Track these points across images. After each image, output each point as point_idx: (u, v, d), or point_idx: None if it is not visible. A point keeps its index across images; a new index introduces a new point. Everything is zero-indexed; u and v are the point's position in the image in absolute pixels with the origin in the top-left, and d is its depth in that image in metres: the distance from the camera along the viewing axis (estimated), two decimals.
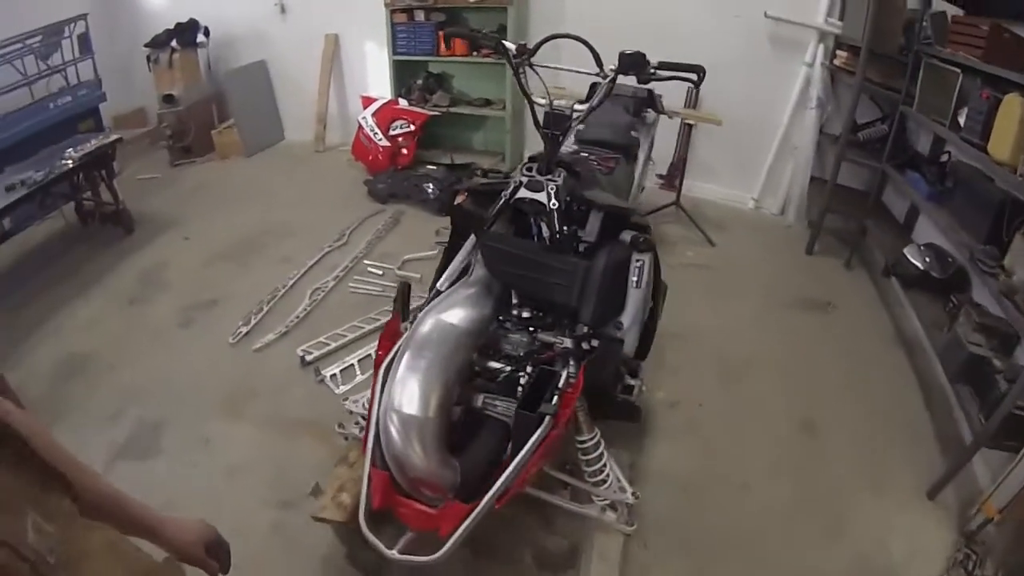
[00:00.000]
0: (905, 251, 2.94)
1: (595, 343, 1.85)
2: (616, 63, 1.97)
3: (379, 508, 1.62)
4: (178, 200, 4.91)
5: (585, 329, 1.85)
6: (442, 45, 4.42)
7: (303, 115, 5.65)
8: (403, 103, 4.79)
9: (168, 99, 5.16)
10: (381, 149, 4.72)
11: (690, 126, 4.03)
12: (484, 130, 5.29)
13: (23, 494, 0.70)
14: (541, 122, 1.98)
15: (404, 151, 4.75)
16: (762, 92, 3.90)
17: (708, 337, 3.18)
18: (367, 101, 4.90)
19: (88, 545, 0.79)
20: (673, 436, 2.63)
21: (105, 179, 4.12)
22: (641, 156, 3.12)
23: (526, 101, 2.02)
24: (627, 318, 1.94)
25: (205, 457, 2.63)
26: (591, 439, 1.88)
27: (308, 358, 3.05)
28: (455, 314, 1.79)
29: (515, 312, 1.91)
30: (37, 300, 3.69)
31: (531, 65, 2.04)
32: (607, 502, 1.94)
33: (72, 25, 4.26)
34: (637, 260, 1.94)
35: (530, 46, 2.03)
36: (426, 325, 1.75)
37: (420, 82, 4.83)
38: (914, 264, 2.82)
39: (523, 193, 1.90)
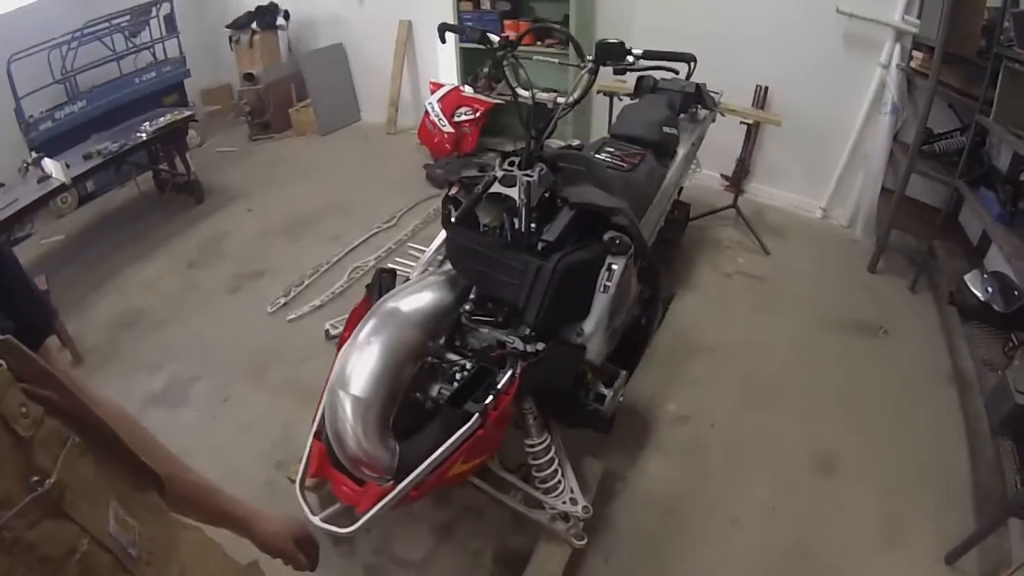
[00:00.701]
0: (966, 278, 2.60)
1: (541, 347, 1.76)
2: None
3: (313, 476, 1.71)
4: (250, 173, 5.19)
5: (527, 331, 1.77)
6: (509, 34, 4.38)
7: (379, 97, 5.77)
8: (468, 90, 4.80)
9: (248, 77, 5.46)
10: (445, 135, 4.76)
11: (753, 126, 3.77)
12: None
13: (108, 485, 0.70)
14: (523, 116, 1.90)
15: (468, 138, 4.77)
16: (834, 93, 3.58)
17: (740, 352, 2.97)
18: (435, 87, 4.96)
19: (177, 542, 0.80)
20: (672, 453, 2.49)
21: (178, 152, 4.42)
22: (680, 153, 2.96)
23: (511, 94, 1.95)
24: (589, 324, 1.84)
25: (224, 413, 2.82)
26: (540, 444, 1.83)
27: (333, 332, 3.15)
28: (413, 301, 1.79)
29: (467, 307, 1.86)
30: (108, 258, 4.04)
31: (515, 57, 1.97)
32: (557, 511, 1.86)
33: (158, 6, 4.59)
34: (610, 263, 1.84)
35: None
36: (383, 309, 1.76)
37: (486, 70, 4.81)
38: (974, 293, 2.50)
39: (496, 188, 1.85)
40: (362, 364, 1.64)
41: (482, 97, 4.72)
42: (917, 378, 2.78)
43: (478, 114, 4.71)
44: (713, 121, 3.44)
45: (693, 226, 3.83)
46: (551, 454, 1.86)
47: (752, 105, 3.81)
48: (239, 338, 3.27)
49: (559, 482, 1.87)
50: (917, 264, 3.34)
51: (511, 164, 1.86)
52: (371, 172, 5.12)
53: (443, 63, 5.22)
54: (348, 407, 1.60)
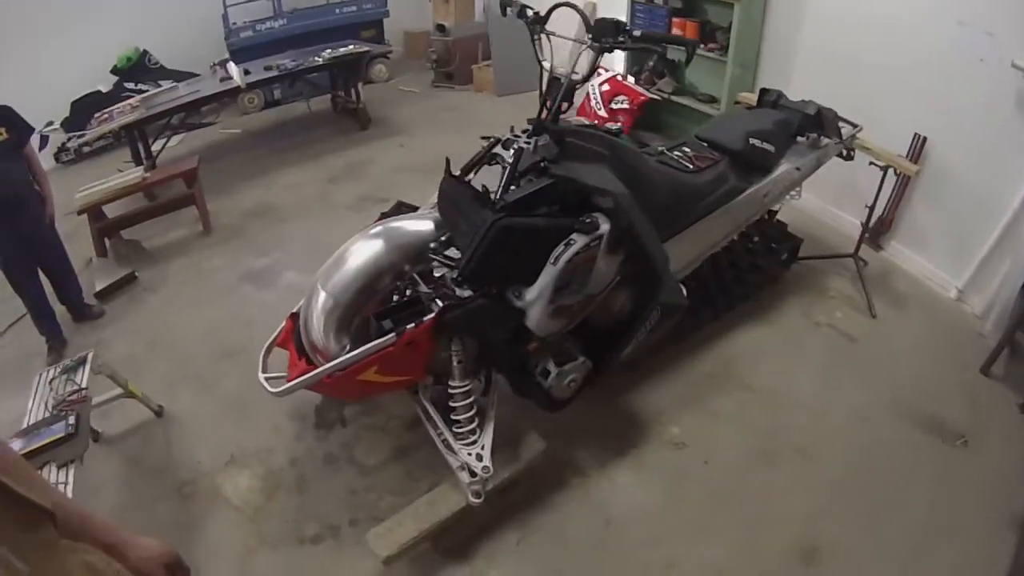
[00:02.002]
0: None
1: (467, 294, 1.86)
2: None
3: (278, 345, 2.05)
4: (418, 115, 5.65)
5: (455, 275, 1.87)
6: (672, 30, 4.32)
7: None
8: (630, 80, 4.79)
9: (440, 28, 5.92)
10: (599, 119, 4.82)
11: (901, 177, 3.35)
12: None
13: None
14: (543, 88, 2.00)
15: (620, 127, 4.77)
16: (995, 161, 3.02)
17: (782, 405, 2.72)
18: (602, 70, 5.02)
19: (65, 572, 0.80)
20: (649, 473, 2.41)
21: (352, 81, 4.96)
22: (776, 173, 2.77)
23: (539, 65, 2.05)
24: (532, 292, 1.88)
25: (298, 301, 3.19)
26: (460, 388, 1.94)
27: None
28: (405, 227, 2.03)
29: (433, 245, 1.99)
30: (267, 157, 4.72)
31: (544, 32, 2.04)
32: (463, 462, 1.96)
33: None
34: (570, 239, 1.86)
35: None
36: (378, 228, 2.02)
37: (652, 64, 4.75)
38: None
39: (497, 148, 1.97)
40: (343, 269, 1.93)
41: (640, 89, 4.69)
42: (974, 507, 2.31)
43: (631, 105, 4.69)
44: (847, 157, 3.15)
45: (805, 265, 3.54)
46: (470, 400, 1.95)
47: (907, 155, 3.36)
48: (337, 246, 3.67)
49: (473, 431, 1.96)
50: None
51: (523, 131, 1.95)
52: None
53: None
54: (320, 302, 1.90)
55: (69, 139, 4.84)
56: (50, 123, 4.81)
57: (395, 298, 2.06)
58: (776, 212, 3.18)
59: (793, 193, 2.94)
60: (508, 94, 6.10)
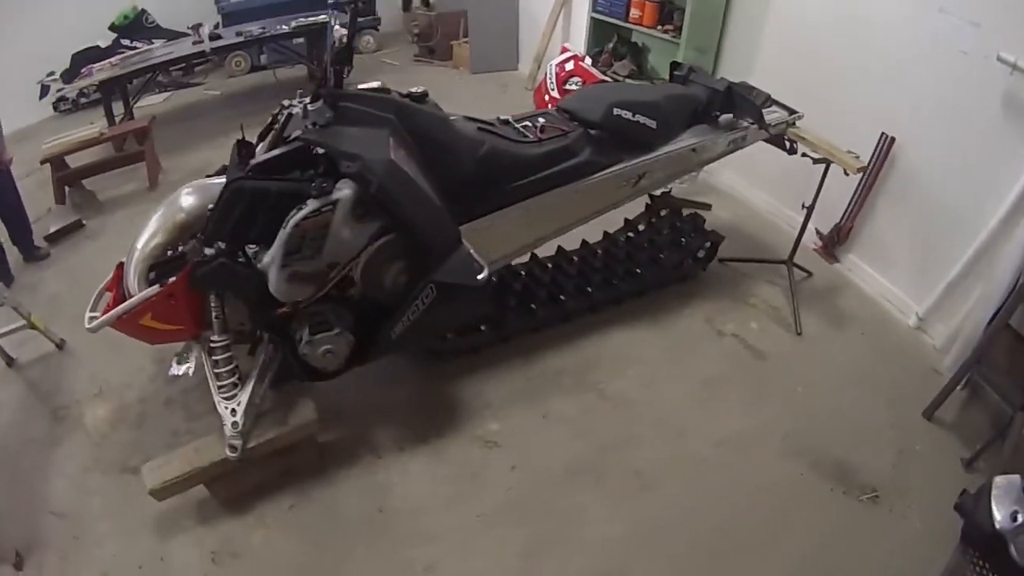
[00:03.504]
0: (997, 482, 1.56)
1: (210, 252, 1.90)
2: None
3: (107, 290, 2.11)
4: (388, 85, 5.55)
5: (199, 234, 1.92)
6: (631, 11, 4.06)
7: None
8: (587, 62, 4.48)
9: (425, 3, 5.85)
10: (552, 100, 4.53)
11: (865, 180, 2.88)
12: None
13: None
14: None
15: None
16: (972, 171, 2.53)
17: (634, 421, 2.39)
18: (563, 51, 4.76)
19: None
20: (444, 467, 2.21)
21: (317, 50, 4.94)
22: (660, 152, 2.48)
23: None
24: (268, 255, 1.87)
25: None
26: (218, 342, 1.99)
27: None
28: (209, 186, 2.06)
29: (211, 207, 1.94)
30: (232, 119, 4.70)
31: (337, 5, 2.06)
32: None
33: None
34: (303, 204, 1.79)
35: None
36: (191, 185, 2.09)
37: (611, 46, 4.46)
38: (992, 512, 1.52)
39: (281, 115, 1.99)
40: (151, 223, 2.02)
41: (594, 72, 4.36)
42: None
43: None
44: (790, 150, 2.81)
45: (734, 268, 3.18)
46: (228, 355, 1.99)
47: (872, 157, 2.86)
48: None
49: (234, 386, 1.99)
50: (996, 434, 2.24)
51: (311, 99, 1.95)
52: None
53: (575, 31, 4.99)
54: (134, 254, 2.00)
55: (59, 91, 5.07)
56: (51, 73, 5.02)
57: (168, 253, 2.09)
58: (689, 203, 2.85)
59: (686, 177, 2.57)
60: (482, 72, 5.97)
